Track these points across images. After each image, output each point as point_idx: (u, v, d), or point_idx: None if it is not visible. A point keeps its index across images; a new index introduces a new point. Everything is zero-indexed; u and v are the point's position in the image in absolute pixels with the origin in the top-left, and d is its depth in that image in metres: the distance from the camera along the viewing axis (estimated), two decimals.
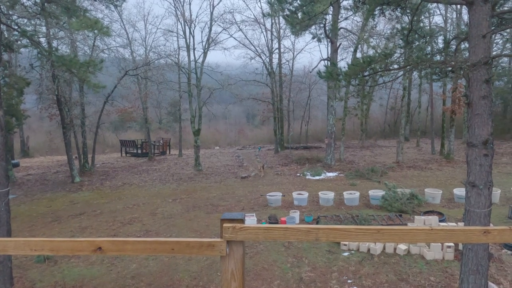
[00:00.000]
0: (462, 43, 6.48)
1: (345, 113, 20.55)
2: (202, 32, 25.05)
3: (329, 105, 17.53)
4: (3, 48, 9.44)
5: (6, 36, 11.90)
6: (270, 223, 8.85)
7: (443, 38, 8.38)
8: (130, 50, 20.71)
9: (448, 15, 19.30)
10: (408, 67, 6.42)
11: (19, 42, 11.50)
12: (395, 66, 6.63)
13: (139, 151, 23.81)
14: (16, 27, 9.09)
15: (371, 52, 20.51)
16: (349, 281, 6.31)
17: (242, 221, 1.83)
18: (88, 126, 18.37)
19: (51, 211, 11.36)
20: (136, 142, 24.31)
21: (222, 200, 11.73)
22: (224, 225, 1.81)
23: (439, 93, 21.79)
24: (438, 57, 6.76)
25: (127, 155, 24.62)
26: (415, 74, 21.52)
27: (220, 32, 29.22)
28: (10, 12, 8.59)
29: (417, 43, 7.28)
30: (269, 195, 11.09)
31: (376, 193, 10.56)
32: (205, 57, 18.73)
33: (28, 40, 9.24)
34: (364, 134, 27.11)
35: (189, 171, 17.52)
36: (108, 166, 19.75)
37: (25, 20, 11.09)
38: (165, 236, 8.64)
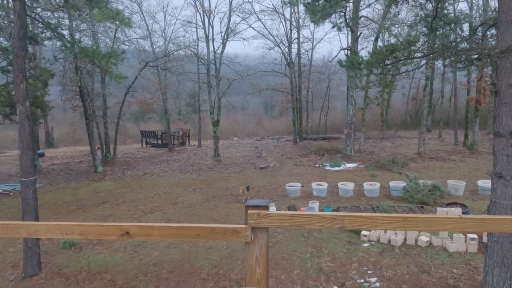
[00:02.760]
0: (489, 29, 6.27)
1: (366, 103, 20.17)
2: (221, 22, 25.02)
3: (349, 95, 17.30)
4: (28, 41, 9.67)
5: (31, 29, 12.17)
6: None
7: (469, 25, 8.10)
8: (150, 42, 20.91)
9: (474, 1, 18.66)
10: (432, 55, 6.26)
11: (43, 35, 11.75)
12: (419, 55, 6.48)
13: (159, 142, 24.13)
14: (40, 20, 9.29)
15: (392, 41, 20.05)
16: (369, 271, 6.28)
17: (266, 208, 1.84)
18: (110, 117, 18.73)
19: (75, 199, 11.68)
20: (156, 133, 24.64)
21: None
22: (249, 211, 1.82)
23: (463, 83, 21.19)
24: (463, 45, 6.55)
25: (148, 145, 25.00)
26: (438, 63, 20.98)
27: (239, 22, 29.06)
28: (35, 5, 8.78)
29: (441, 30, 7.07)
30: (288, 186, 11.09)
31: (397, 184, 10.41)
32: (224, 47, 18.73)
33: (52, 32, 9.44)
34: (385, 125, 26.68)
35: (209, 161, 17.67)
36: (129, 157, 20.11)
37: (49, 13, 11.31)
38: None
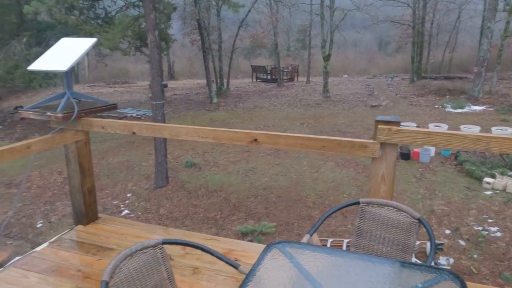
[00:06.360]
0: None
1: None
2: None
3: (485, 27, 14.89)
4: None
5: None
6: (401, 153, 8.44)
7: None
8: None
9: None
10: None
11: None
12: None
13: (269, 77, 24.54)
14: None
15: None
16: (489, 220, 5.78)
17: (398, 124, 1.74)
18: (224, 51, 19.46)
19: (195, 126, 12.82)
20: (266, 68, 25.02)
21: (350, 127, 11.52)
22: (379, 126, 1.75)
23: None
24: None
25: (257, 80, 25.64)
26: None
27: None
28: None
29: None
30: (402, 125, 10.42)
31: None
32: None
33: None
34: None
35: (317, 97, 17.46)
36: (240, 90, 20.97)
37: None
38: (294, 156, 9.02)
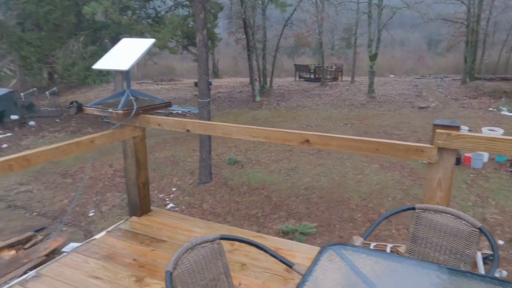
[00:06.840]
0: None
1: None
2: None
3: None
4: None
5: None
6: None
7: None
8: None
9: None
10: None
11: None
12: None
13: (312, 76, 24.33)
14: None
15: None
16: None
17: (458, 128, 1.69)
18: (268, 50, 19.52)
19: (237, 124, 12.99)
20: (309, 67, 24.81)
21: (396, 129, 11.19)
22: (437, 130, 1.71)
23: None
24: None
25: (300, 79, 25.50)
26: None
27: None
28: None
29: None
30: None
31: None
32: None
33: None
34: None
35: (361, 97, 17.09)
36: (283, 89, 20.96)
37: None
38: (337, 157, 8.90)
